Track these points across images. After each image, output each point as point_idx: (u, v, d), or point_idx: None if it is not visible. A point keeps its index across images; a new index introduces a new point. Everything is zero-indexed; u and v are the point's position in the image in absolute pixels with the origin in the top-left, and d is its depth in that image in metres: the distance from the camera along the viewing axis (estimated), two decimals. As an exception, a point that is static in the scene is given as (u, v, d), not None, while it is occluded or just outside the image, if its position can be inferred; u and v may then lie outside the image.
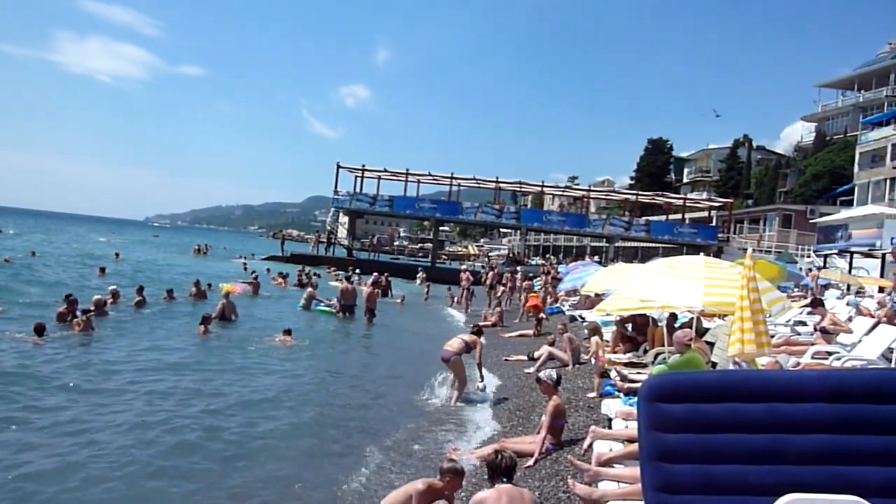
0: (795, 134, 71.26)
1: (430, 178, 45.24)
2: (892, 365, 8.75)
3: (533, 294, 18.32)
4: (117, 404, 8.33)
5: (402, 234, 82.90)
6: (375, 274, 21.24)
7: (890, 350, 9.07)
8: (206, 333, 13.43)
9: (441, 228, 65.61)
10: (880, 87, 56.06)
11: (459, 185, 45.21)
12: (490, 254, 67.91)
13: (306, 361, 12.43)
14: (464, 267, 28.15)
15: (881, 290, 21.30)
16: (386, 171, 44.45)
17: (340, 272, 25.02)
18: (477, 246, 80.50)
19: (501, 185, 46.06)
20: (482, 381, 10.44)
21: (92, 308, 13.65)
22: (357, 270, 27.33)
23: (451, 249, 70.86)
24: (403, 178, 44.68)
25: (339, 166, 43.59)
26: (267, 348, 13.07)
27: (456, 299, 23.86)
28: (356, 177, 44.80)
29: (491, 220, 45.30)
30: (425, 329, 18.62)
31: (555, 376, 7.10)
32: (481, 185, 46.88)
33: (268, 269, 30.28)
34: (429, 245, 51.86)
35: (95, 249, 41.45)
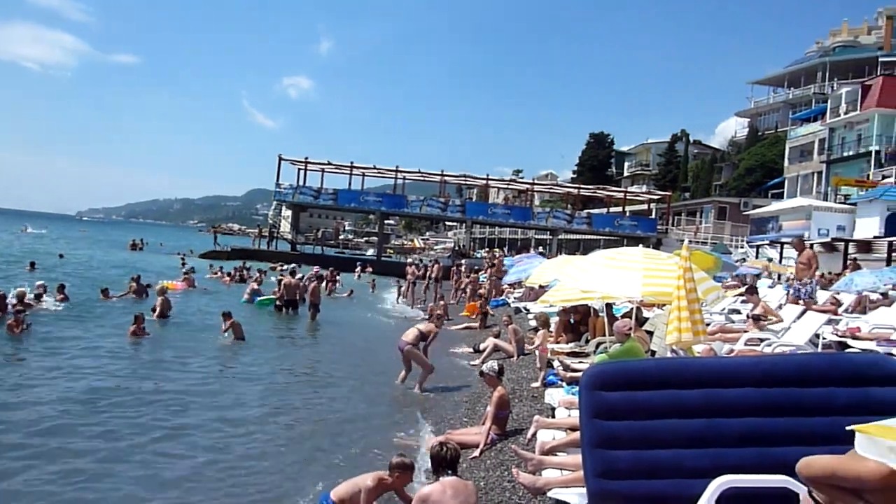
0: (730, 129, 73.84)
1: (375, 171, 44.90)
2: (819, 349, 9.18)
3: (471, 304, 18.22)
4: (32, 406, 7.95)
5: (347, 228, 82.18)
6: (317, 268, 20.92)
7: (816, 335, 9.51)
8: (139, 334, 12.78)
9: (387, 222, 65.28)
10: (808, 84, 58.54)
11: (405, 178, 45.02)
12: (436, 247, 68.05)
13: (251, 358, 12.16)
14: (409, 260, 28.12)
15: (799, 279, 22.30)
16: (330, 163, 43.88)
17: (285, 266, 24.63)
18: (423, 239, 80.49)
19: (447, 178, 46.13)
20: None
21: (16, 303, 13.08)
22: (286, 266, 26.92)
23: (396, 243, 70.58)
24: (348, 172, 44.20)
25: (281, 159, 42.78)
26: (210, 347, 12.74)
27: (402, 292, 23.78)
28: (299, 169, 44.11)
29: (436, 213, 45.30)
30: (372, 323, 18.53)
31: (496, 368, 7.16)
32: (426, 179, 46.84)
33: (211, 265, 29.50)
34: (375, 239, 51.56)
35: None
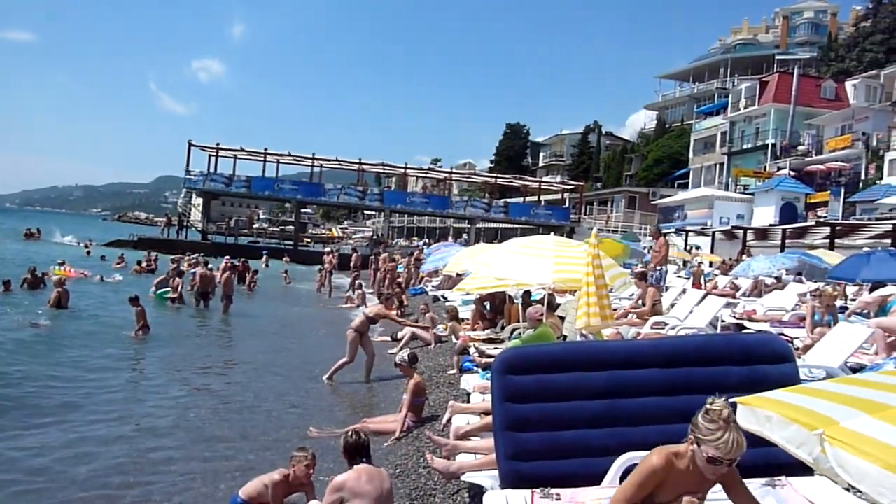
0: (639, 121, 76.75)
1: (291, 158, 43.87)
2: (718, 331, 9.70)
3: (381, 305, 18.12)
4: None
5: (262, 217, 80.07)
6: (227, 258, 20.24)
7: (716, 318, 10.05)
8: (34, 326, 11.97)
9: (303, 210, 64.09)
10: (712, 79, 61.51)
11: (321, 166, 44.26)
12: (354, 236, 67.42)
13: (159, 353, 11.64)
14: (327, 250, 27.69)
15: (711, 264, 23.56)
16: (243, 150, 42.56)
17: (196, 256, 23.65)
18: (341, 228, 79.56)
19: (365, 166, 45.69)
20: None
21: None
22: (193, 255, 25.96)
23: (314, 232, 69.42)
24: (262, 159, 43.00)
25: (191, 145, 41.09)
26: (111, 340, 12.13)
27: (319, 281, 23.43)
28: (210, 156, 42.52)
29: (354, 201, 44.84)
30: (287, 314, 18.16)
31: (407, 357, 7.20)
32: (344, 167, 46.25)
33: (122, 256, 27.88)
34: (291, 228, 50.48)
35: None
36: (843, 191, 32.25)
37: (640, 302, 10.68)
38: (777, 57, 58.30)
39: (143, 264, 24.86)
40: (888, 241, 18.75)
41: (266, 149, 42.62)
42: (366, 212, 72.26)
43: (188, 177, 41.18)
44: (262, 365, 11.04)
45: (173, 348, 12.10)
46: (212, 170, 42.11)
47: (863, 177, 34.88)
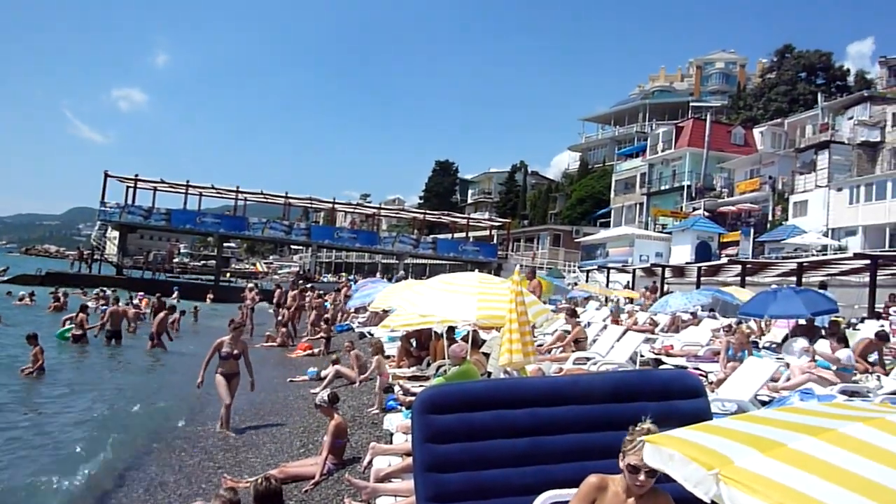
0: (564, 162, 79.16)
1: (214, 191, 42.79)
2: (637, 366, 9.93)
3: (302, 344, 17.58)
4: None
5: (182, 251, 77.45)
6: (140, 294, 19.34)
7: (636, 353, 10.30)
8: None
9: (226, 245, 62.46)
10: (631, 123, 64.36)
11: (246, 199, 43.33)
12: (280, 271, 66.06)
13: (59, 401, 10.88)
14: (249, 286, 26.87)
15: (631, 300, 24.26)
16: (163, 181, 41.21)
17: (104, 290, 22.48)
18: (266, 263, 77.83)
19: (291, 200, 45.02)
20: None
21: None
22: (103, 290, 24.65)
23: (237, 267, 67.59)
24: (183, 191, 41.74)
25: (107, 175, 39.45)
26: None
27: (242, 317, 22.63)
28: (128, 187, 40.92)
29: (280, 236, 44.05)
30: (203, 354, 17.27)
31: (327, 397, 7.00)
32: (270, 201, 45.43)
33: (32, 293, 25.90)
34: (213, 262, 48.99)
35: None
36: (752, 231, 34.12)
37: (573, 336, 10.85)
38: (691, 104, 61.68)
39: (57, 300, 23.28)
40: (793, 278, 19.81)
41: (188, 181, 41.43)
42: (292, 246, 71.06)
43: (103, 209, 39.45)
44: (165, 410, 10.37)
45: (73, 394, 11.23)
46: (129, 202, 40.51)
47: (770, 218, 36.99)
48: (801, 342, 9.67)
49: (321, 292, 26.04)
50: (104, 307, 17.63)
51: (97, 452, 7.66)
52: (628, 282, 29.39)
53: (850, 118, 36.77)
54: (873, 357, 9.53)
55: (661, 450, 1.63)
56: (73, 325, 16.25)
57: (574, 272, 40.61)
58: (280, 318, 20.27)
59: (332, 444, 6.65)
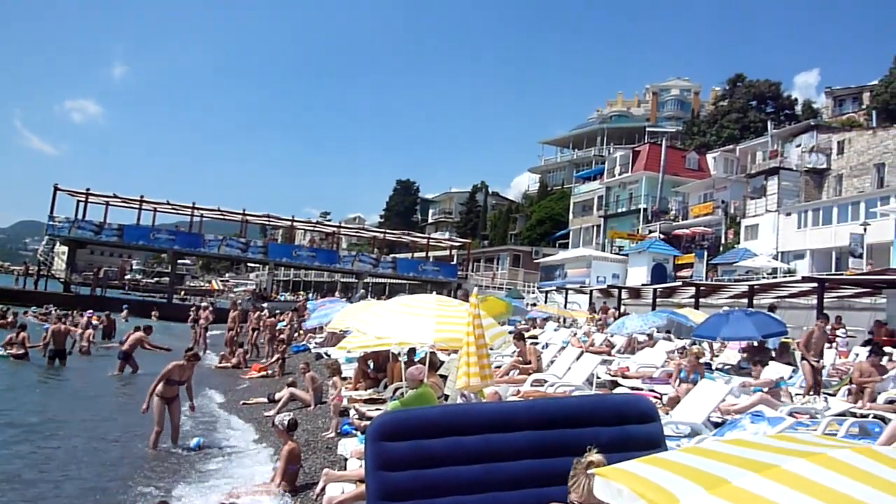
0: (524, 183, 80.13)
1: (169, 206, 41.88)
2: (594, 388, 9.99)
3: (256, 364, 17.19)
4: None
5: (135, 267, 75.54)
6: (90, 312, 18.71)
7: (592, 375, 10.36)
8: None
9: (181, 262, 61.15)
10: (590, 147, 65.55)
11: (202, 215, 42.51)
12: (236, 289, 64.97)
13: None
14: (204, 304, 26.29)
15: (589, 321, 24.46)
16: (115, 196, 40.14)
17: (50, 308, 21.66)
18: (222, 281, 76.43)
19: (249, 217, 44.36)
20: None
21: None
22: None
23: (192, 284, 66.22)
24: (137, 206, 40.72)
25: (57, 189, 38.28)
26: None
27: (193, 338, 22.10)
28: (79, 201, 39.74)
29: (237, 254, 43.27)
30: (154, 373, 16.79)
31: (287, 422, 6.85)
32: (226, 217, 44.68)
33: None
34: (166, 279, 47.85)
35: None
36: (706, 253, 34.91)
37: (520, 358, 10.86)
38: (647, 129, 63.21)
39: (3, 319, 22.18)
40: (745, 300, 20.28)
41: (142, 196, 40.46)
42: (249, 264, 69.98)
43: (52, 223, 38.24)
44: (108, 433, 9.95)
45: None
46: (80, 216, 39.36)
47: (723, 241, 37.94)
48: (736, 380, 9.86)
49: (277, 311, 25.67)
50: (46, 325, 16.98)
51: None
52: (595, 304, 29.73)
53: (798, 146, 38.10)
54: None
55: (611, 484, 1.61)
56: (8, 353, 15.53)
57: (533, 293, 40.87)
58: (237, 338, 19.88)
59: (285, 470, 6.50)
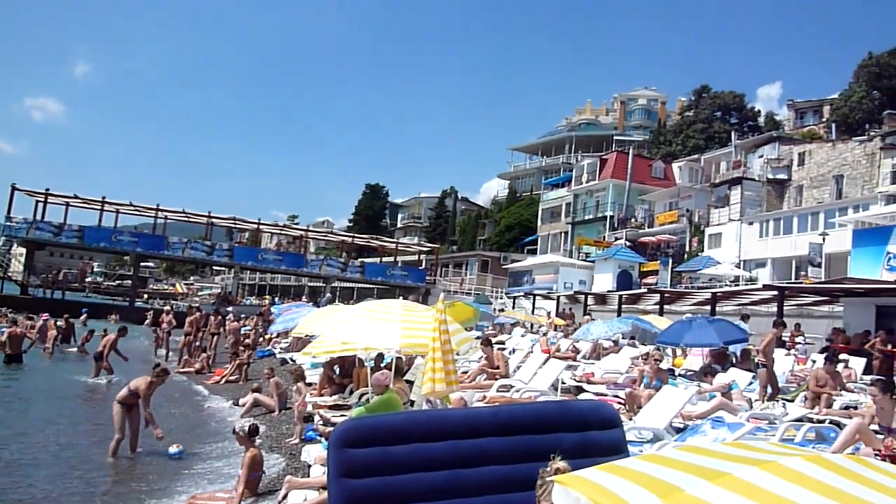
0: (493, 189, 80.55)
1: (132, 208, 41.05)
2: (559, 393, 10.05)
3: (219, 369, 16.91)
4: None
5: (96, 270, 73.88)
6: (45, 315, 18.25)
7: (558, 380, 10.43)
8: None
9: (144, 265, 60.01)
10: (558, 154, 66.18)
11: (166, 217, 41.75)
12: (200, 293, 63.98)
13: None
14: (167, 308, 25.80)
15: (556, 327, 24.69)
16: (76, 197, 39.20)
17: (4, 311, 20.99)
18: (186, 284, 75.19)
19: (214, 220, 43.73)
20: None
21: None
22: None
23: (155, 287, 65.02)
24: (98, 207, 39.82)
25: (14, 188, 37.22)
26: None
27: (156, 342, 21.69)
28: (37, 202, 38.70)
29: (201, 257, 42.61)
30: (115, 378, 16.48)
31: (247, 428, 6.76)
32: (191, 220, 43.96)
33: None
34: (129, 282, 46.89)
35: None
36: (670, 261, 35.48)
37: (488, 363, 10.88)
38: (615, 137, 64.03)
39: None
40: (708, 307, 20.65)
41: (104, 197, 39.57)
42: (214, 268, 68.98)
43: (9, 224, 37.16)
44: (63, 443, 9.66)
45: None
46: (39, 217, 38.36)
47: (687, 249, 38.60)
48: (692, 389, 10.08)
49: (243, 316, 25.34)
50: (2, 328, 16.55)
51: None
52: (563, 309, 29.96)
53: (761, 156, 39.00)
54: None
55: (570, 492, 1.62)
56: None
57: (501, 298, 41.05)
58: (199, 342, 19.57)
59: (247, 477, 6.41)
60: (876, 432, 6.57)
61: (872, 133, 36.17)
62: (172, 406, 12.61)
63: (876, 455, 5.36)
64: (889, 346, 14.54)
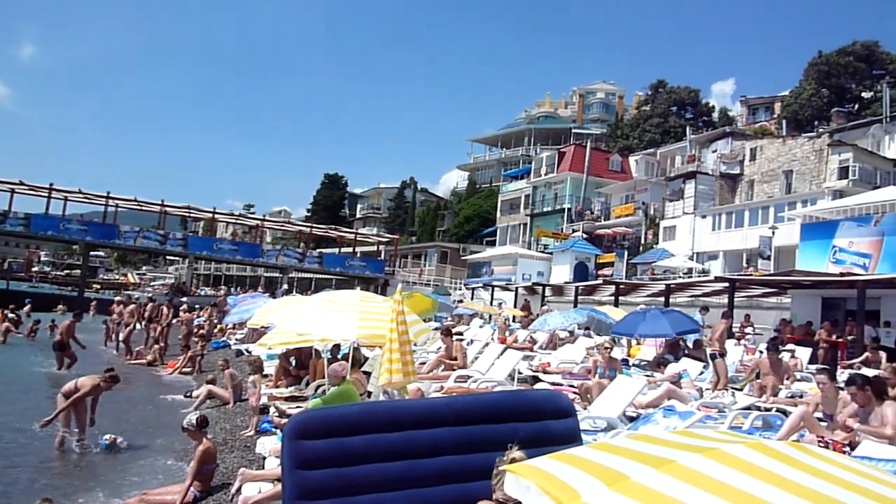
0: (452, 180, 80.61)
1: (81, 195, 39.79)
2: (516, 383, 10.15)
3: (172, 361, 16.55)
4: None
5: (43, 259, 71.50)
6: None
7: (515, 371, 10.53)
8: None
9: (94, 254, 58.35)
10: (518, 146, 66.54)
11: (117, 205, 40.61)
12: (153, 283, 62.57)
13: None
14: (118, 298, 25.12)
15: (514, 318, 24.90)
16: (22, 183, 37.82)
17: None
18: (139, 274, 73.40)
19: (168, 208, 42.71)
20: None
21: None
22: None
23: (106, 277, 63.27)
24: (46, 194, 38.50)
25: (-44, 175, 35.80)
26: None
27: (106, 334, 21.12)
28: (-20, 189, 37.30)
29: (154, 246, 41.60)
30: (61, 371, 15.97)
31: (195, 421, 6.63)
32: (144, 208, 42.88)
33: None
34: (78, 272, 45.50)
35: None
36: (626, 253, 36.08)
37: (446, 354, 10.92)
38: (573, 130, 64.72)
39: None
40: (662, 299, 21.10)
41: (51, 184, 38.28)
42: (168, 257, 67.47)
43: (-50, 211, 35.71)
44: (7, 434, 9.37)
45: None
46: (-18, 204, 36.88)
47: (642, 241, 39.30)
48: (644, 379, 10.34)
49: (197, 306, 24.88)
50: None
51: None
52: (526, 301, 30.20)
53: (714, 151, 39.89)
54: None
55: (520, 480, 1.64)
56: None
57: (460, 289, 41.19)
58: (152, 333, 19.13)
59: (198, 471, 6.30)
60: (820, 419, 6.83)
61: (821, 130, 37.38)
62: (123, 399, 12.32)
63: (819, 442, 5.56)
64: (833, 337, 15.09)
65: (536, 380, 11.05)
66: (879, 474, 1.66)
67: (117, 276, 68.84)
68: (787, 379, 9.86)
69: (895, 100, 37.40)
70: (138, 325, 19.80)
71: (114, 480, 7.61)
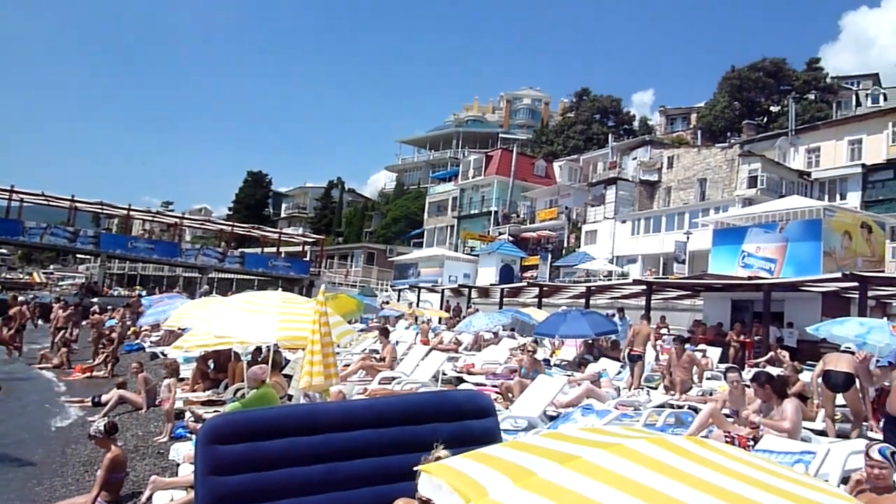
0: (380, 181, 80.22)
1: (-19, 189, 37.34)
2: (440, 384, 10.20)
3: (79, 365, 15.77)
4: None
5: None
6: None
7: (439, 372, 10.57)
8: None
9: (-4, 251, 54.78)
10: (446, 149, 66.94)
11: (22, 200, 38.28)
12: (61, 282, 59.34)
13: None
14: (21, 299, 23.64)
15: (440, 320, 24.97)
16: (-85, 176, 35.19)
17: None
18: (45, 273, 69.40)
19: (78, 204, 40.59)
20: None
21: None
22: None
23: (9, 276, 59.55)
24: (-59, 188, 35.93)
25: None
26: None
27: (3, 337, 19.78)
28: None
29: (63, 244, 39.45)
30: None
31: (103, 427, 6.33)
32: (52, 203, 40.59)
33: None
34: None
35: None
36: (550, 256, 36.87)
37: (376, 356, 10.88)
38: (500, 135, 65.65)
39: None
40: (583, 300, 21.65)
41: (-51, 176, 35.76)
42: (78, 256, 64.17)
43: None
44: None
45: None
46: None
47: (565, 244, 40.26)
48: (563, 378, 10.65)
49: (109, 307, 23.79)
50: None
51: None
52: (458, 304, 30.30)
53: (634, 158, 41.34)
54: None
55: (433, 479, 1.64)
56: None
57: (387, 291, 41.02)
58: (59, 337, 18.12)
59: (107, 479, 6.01)
60: (727, 416, 7.18)
61: (733, 141, 39.32)
62: (26, 406, 11.64)
63: (725, 437, 5.84)
64: (741, 337, 15.88)
65: (461, 381, 11.14)
66: (773, 467, 1.76)
67: (21, 276, 64.86)
68: (696, 372, 10.29)
69: (800, 114, 39.80)
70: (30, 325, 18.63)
71: (12, 498, 7.16)
